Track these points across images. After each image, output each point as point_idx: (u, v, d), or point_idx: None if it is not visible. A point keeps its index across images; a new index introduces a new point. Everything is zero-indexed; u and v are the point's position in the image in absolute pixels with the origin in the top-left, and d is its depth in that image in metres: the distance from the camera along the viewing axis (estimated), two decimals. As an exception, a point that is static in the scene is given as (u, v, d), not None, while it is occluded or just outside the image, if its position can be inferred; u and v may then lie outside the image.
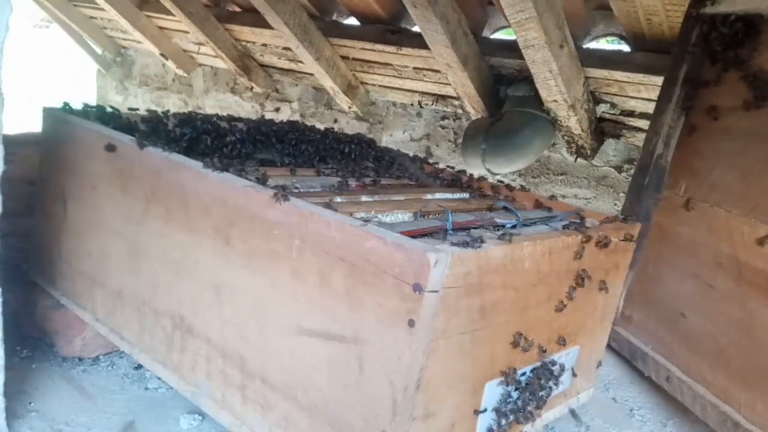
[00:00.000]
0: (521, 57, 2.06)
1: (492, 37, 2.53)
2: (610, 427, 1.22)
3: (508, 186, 1.31)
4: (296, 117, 3.42)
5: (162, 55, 3.40)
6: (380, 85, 3.02)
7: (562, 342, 1.02)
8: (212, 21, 3.09)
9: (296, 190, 1.01)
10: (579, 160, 2.46)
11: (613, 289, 1.12)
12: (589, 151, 2.39)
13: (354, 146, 1.45)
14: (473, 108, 2.56)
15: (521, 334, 0.92)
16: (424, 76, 2.72)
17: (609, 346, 1.38)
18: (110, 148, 1.07)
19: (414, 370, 0.75)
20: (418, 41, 2.47)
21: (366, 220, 0.81)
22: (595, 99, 2.26)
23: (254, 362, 0.90)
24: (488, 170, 2.39)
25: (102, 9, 3.58)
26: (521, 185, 2.55)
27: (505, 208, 1.14)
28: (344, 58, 2.94)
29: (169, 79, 4.06)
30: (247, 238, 0.88)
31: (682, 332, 1.30)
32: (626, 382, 1.39)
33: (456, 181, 1.34)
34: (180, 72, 3.83)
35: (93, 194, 1.11)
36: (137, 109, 1.33)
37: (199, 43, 3.39)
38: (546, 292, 0.95)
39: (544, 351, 0.99)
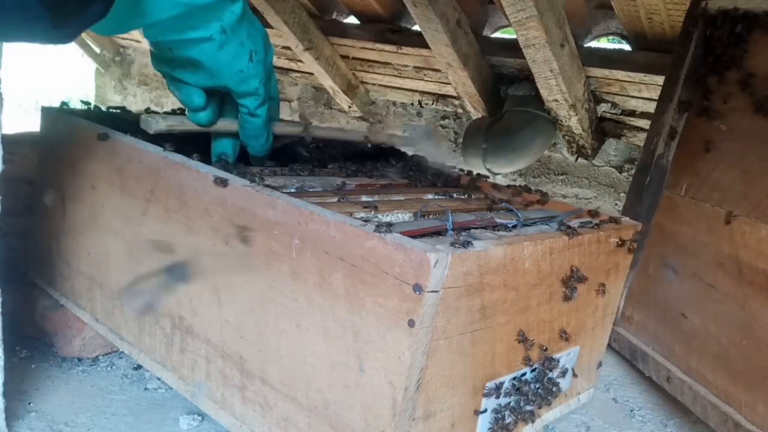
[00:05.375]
0: (522, 56, 2.06)
1: (492, 36, 2.53)
2: (611, 427, 1.22)
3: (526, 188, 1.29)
4: (296, 117, 3.41)
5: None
6: (380, 85, 3.02)
7: (563, 338, 1.01)
8: (212, 20, 3.07)
9: (295, 190, 1.00)
10: (580, 159, 2.46)
11: (614, 289, 1.12)
12: (589, 151, 2.39)
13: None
14: (474, 107, 2.56)
15: (531, 341, 0.92)
16: (425, 75, 2.72)
17: (610, 347, 1.38)
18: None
19: (414, 371, 0.75)
20: (418, 40, 2.47)
21: (366, 220, 0.80)
22: (596, 98, 2.26)
23: (254, 362, 0.89)
24: (489, 170, 2.39)
25: (101, 8, 3.57)
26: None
27: (505, 208, 1.13)
28: (344, 57, 2.94)
29: (169, 78, 4.05)
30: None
31: (682, 332, 1.29)
32: (627, 383, 1.39)
33: (456, 180, 1.33)
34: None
35: (92, 194, 1.11)
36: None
37: (199, 43, 3.38)
38: (547, 293, 0.94)
39: (545, 350, 0.98)
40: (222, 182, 0.89)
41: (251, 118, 1.05)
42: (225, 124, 1.08)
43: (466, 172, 1.35)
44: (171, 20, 0.87)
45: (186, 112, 1.05)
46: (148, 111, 1.41)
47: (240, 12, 0.93)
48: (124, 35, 3.98)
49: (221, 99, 1.05)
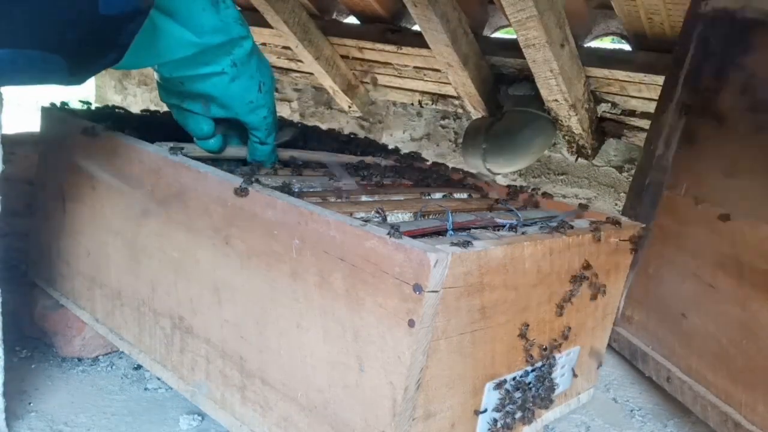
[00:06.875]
0: (522, 56, 2.06)
1: (492, 36, 2.53)
2: (611, 427, 1.22)
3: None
4: (296, 117, 3.41)
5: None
6: (380, 85, 3.02)
7: (563, 337, 1.01)
8: (212, 20, 3.07)
9: (295, 190, 1.00)
10: (580, 159, 2.46)
11: (614, 289, 1.12)
12: (589, 151, 2.39)
13: None
14: (474, 107, 2.55)
15: (531, 340, 0.92)
16: (425, 75, 2.72)
17: (610, 347, 1.38)
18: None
19: (414, 371, 0.75)
20: (418, 40, 2.46)
21: (366, 220, 0.80)
22: (596, 98, 2.26)
23: (254, 362, 0.89)
24: (489, 170, 2.39)
25: (101, 8, 3.57)
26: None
27: (505, 208, 1.13)
28: (344, 57, 2.93)
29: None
30: (246, 238, 0.88)
31: (682, 332, 1.29)
32: (627, 383, 1.39)
33: (455, 180, 1.33)
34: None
35: (92, 194, 1.11)
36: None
37: (199, 42, 3.37)
38: (547, 293, 0.94)
39: (545, 350, 0.98)
40: (243, 192, 0.88)
41: (261, 146, 1.09)
42: (233, 151, 1.12)
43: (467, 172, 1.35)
44: (185, 58, 0.90)
45: (194, 141, 1.06)
46: (146, 111, 1.42)
47: (250, 47, 0.96)
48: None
49: (226, 125, 1.08)
